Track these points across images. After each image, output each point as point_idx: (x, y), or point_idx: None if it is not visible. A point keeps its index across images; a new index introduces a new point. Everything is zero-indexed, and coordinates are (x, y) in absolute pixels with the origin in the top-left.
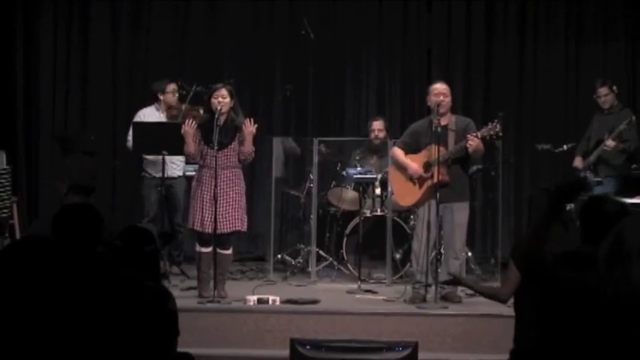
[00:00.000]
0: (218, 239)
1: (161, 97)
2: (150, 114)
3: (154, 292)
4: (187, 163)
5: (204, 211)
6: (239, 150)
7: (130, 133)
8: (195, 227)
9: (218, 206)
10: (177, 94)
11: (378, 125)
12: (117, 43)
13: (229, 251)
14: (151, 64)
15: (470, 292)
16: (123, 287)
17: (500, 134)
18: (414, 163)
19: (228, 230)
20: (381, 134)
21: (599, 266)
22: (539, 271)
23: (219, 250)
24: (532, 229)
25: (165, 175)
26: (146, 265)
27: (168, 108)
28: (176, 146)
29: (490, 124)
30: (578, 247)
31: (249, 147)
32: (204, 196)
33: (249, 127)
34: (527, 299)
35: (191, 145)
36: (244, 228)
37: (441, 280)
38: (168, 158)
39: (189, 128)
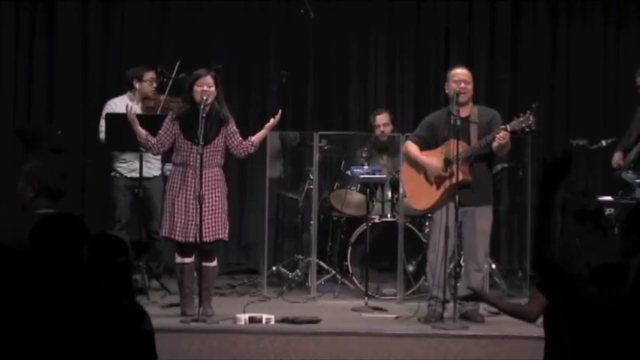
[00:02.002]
0: (201, 250)
1: (137, 86)
2: (122, 104)
3: (126, 311)
4: (167, 160)
5: (185, 216)
6: (244, 145)
7: (102, 123)
8: (174, 236)
9: (199, 211)
10: (154, 84)
11: (382, 119)
12: (87, 24)
13: (214, 263)
14: (127, 49)
15: (493, 309)
16: (92, 305)
17: (534, 127)
18: (431, 158)
19: (212, 239)
20: (387, 129)
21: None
22: (564, 281)
23: (202, 263)
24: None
25: (138, 176)
26: (118, 280)
27: (144, 99)
28: None
29: (522, 115)
30: (623, 260)
31: (259, 141)
32: (184, 199)
33: (276, 120)
34: (558, 318)
35: (142, 133)
36: (225, 236)
37: (460, 296)
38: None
39: (132, 115)
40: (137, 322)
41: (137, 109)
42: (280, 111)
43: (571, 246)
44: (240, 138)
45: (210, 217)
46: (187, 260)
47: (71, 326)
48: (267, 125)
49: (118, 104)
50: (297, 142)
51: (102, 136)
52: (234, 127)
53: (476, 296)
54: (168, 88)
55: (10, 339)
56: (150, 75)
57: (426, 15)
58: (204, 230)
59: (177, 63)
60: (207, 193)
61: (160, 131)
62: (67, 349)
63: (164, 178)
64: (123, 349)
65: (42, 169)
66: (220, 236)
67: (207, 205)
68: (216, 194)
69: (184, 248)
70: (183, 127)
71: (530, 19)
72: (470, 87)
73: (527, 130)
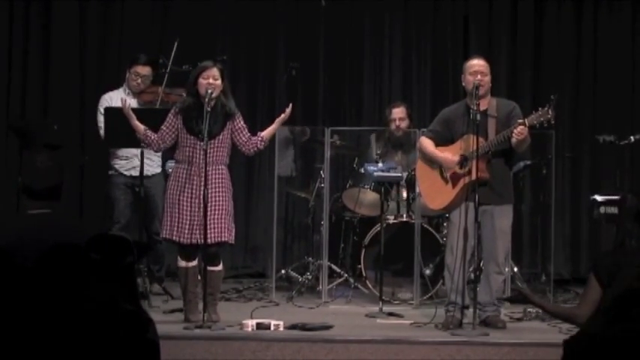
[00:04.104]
0: (205, 253)
1: (126, 74)
2: (118, 98)
3: (130, 318)
4: (170, 157)
5: (190, 217)
6: (252, 141)
7: (101, 118)
8: (178, 239)
9: (201, 211)
10: (139, 80)
11: (398, 113)
12: (85, 12)
13: (220, 267)
14: (127, 39)
15: (516, 316)
16: (92, 312)
17: (553, 121)
18: (446, 153)
19: (214, 241)
20: (403, 123)
21: None
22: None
23: (207, 267)
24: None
25: (138, 174)
26: (122, 283)
27: (141, 93)
28: None
29: (541, 109)
30: None
31: (269, 137)
32: (189, 198)
33: (286, 114)
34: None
35: (140, 128)
36: (232, 239)
37: (504, 297)
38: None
39: (127, 109)
40: (143, 330)
41: (133, 103)
42: (291, 105)
43: (628, 247)
44: (249, 134)
45: (213, 218)
46: (191, 264)
47: (70, 333)
48: (278, 120)
49: (114, 98)
50: (307, 138)
51: (102, 132)
52: (242, 123)
53: (521, 297)
54: (165, 79)
55: (4, 346)
56: (138, 69)
57: (443, 3)
58: (207, 232)
59: (175, 43)
60: (210, 192)
61: (163, 126)
62: (66, 357)
63: (165, 175)
64: (128, 358)
65: (26, 166)
66: (224, 239)
67: (210, 205)
68: (221, 194)
69: (188, 251)
70: (186, 121)
71: (555, 7)
72: (487, 78)
73: (546, 124)
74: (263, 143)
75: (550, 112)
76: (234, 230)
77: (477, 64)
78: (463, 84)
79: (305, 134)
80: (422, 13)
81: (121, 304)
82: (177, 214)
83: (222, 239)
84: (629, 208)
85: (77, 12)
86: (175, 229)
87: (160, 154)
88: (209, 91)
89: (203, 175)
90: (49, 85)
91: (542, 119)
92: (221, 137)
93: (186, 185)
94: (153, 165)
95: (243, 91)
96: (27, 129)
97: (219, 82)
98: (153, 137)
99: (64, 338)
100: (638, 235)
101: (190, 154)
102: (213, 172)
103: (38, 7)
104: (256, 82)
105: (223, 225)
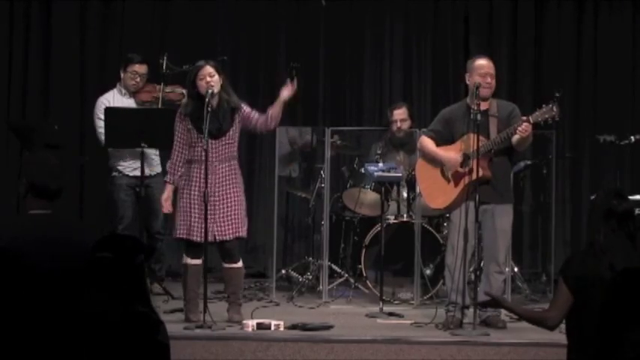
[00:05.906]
0: (222, 250)
1: (121, 74)
2: (115, 100)
3: (143, 320)
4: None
5: (203, 215)
6: (262, 120)
7: (100, 123)
8: (191, 237)
9: (217, 208)
10: (138, 78)
11: (400, 114)
12: (85, 14)
13: (240, 264)
14: (127, 40)
15: (516, 316)
16: (105, 314)
17: (558, 118)
18: (449, 152)
19: (231, 237)
20: (405, 124)
21: None
22: (593, 290)
23: (227, 265)
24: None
25: (139, 174)
26: (133, 284)
27: (137, 92)
28: (158, 137)
29: (545, 106)
30: None
31: (277, 114)
32: (201, 197)
33: (291, 88)
34: (582, 325)
35: (168, 192)
36: (245, 233)
37: (477, 302)
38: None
39: (165, 202)
40: (154, 332)
41: (130, 102)
42: (291, 84)
43: (595, 245)
44: (257, 114)
45: (230, 213)
46: (196, 262)
47: (83, 334)
48: (281, 99)
49: (111, 100)
50: (308, 145)
51: (102, 137)
52: (248, 108)
53: (494, 302)
54: (162, 80)
55: (10, 345)
56: (135, 68)
57: (443, 3)
58: (223, 227)
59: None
60: (225, 188)
61: (175, 139)
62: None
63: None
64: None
65: (32, 164)
66: (240, 234)
67: (225, 200)
68: (235, 189)
69: (196, 249)
70: (194, 122)
71: (555, 7)
72: (494, 82)
73: (551, 121)
74: (273, 123)
75: (554, 108)
76: (247, 224)
77: (486, 65)
78: (468, 82)
79: (306, 143)
80: (422, 13)
81: (134, 306)
82: (194, 213)
83: (240, 234)
84: (598, 206)
85: (77, 12)
86: (193, 228)
87: (158, 152)
88: (209, 90)
89: (216, 172)
90: (49, 85)
91: (546, 116)
92: (231, 133)
93: (201, 184)
94: (154, 165)
95: (243, 91)
96: (27, 129)
97: (216, 77)
98: (178, 170)
99: (77, 339)
100: (605, 233)
101: (202, 153)
102: (227, 168)
103: (38, 7)
104: (256, 82)
105: (239, 220)
